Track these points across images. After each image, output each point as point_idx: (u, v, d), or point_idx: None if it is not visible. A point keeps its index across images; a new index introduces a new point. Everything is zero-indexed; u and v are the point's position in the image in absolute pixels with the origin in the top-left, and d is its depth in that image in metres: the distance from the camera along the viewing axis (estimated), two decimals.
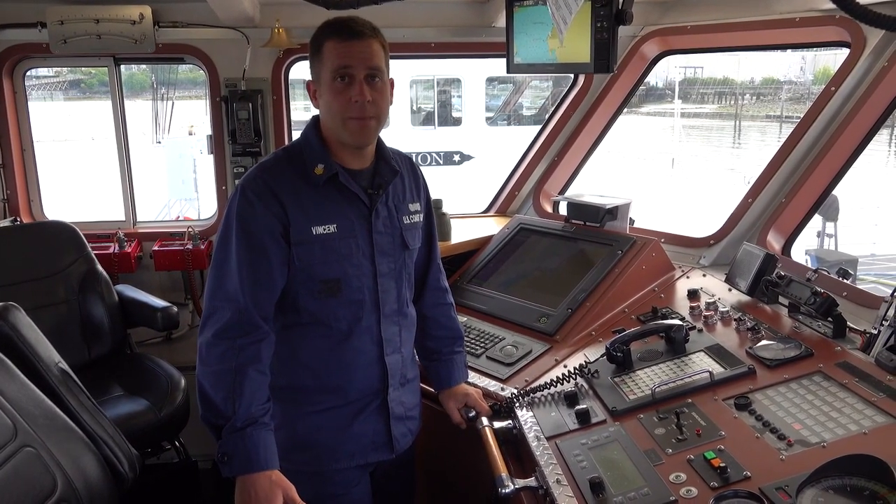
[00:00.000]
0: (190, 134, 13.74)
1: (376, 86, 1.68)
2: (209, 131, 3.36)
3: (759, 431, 1.56)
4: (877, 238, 12.04)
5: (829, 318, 1.85)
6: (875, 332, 1.74)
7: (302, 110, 5.02)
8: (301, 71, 3.12)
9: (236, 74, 3.20)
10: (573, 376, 1.98)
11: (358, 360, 1.79)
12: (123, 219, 3.44)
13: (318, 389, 1.80)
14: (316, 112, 1.78)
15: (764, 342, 1.90)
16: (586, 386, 1.94)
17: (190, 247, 3.26)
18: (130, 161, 3.41)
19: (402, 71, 10.55)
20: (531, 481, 1.66)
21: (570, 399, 1.88)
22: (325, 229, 1.71)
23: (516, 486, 1.65)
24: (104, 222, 3.44)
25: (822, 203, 2.49)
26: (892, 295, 1.75)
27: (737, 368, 1.81)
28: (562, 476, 1.59)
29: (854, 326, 1.84)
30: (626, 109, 3.33)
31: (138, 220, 3.49)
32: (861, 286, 2.18)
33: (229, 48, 3.16)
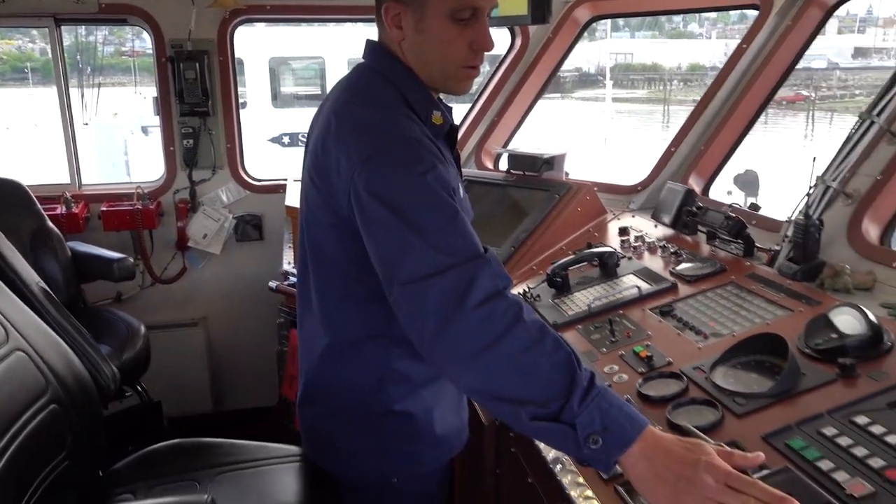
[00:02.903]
0: (115, 115, 13.36)
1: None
2: (154, 94, 3.40)
3: (679, 330, 1.78)
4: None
5: (740, 240, 2.10)
6: (778, 248, 1.99)
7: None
8: (246, 33, 3.20)
9: (182, 35, 3.25)
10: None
11: None
12: (69, 181, 3.43)
13: None
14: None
15: (685, 264, 2.14)
16: (529, 307, 2.13)
17: (139, 207, 3.30)
18: (73, 122, 3.41)
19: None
20: None
21: None
22: (461, 191, 1.40)
23: None
24: (49, 185, 3.42)
25: (737, 148, 2.74)
26: (788, 218, 2.01)
27: (661, 284, 2.03)
28: None
29: (761, 246, 2.09)
30: (560, 95, 3.56)
31: (83, 182, 3.49)
32: None
33: (174, 9, 3.20)
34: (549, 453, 1.45)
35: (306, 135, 1.52)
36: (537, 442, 1.50)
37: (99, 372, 1.58)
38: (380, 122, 1.29)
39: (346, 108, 1.35)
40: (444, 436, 1.53)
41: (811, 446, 1.23)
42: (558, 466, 1.40)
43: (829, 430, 1.26)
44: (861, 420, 1.26)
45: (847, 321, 1.51)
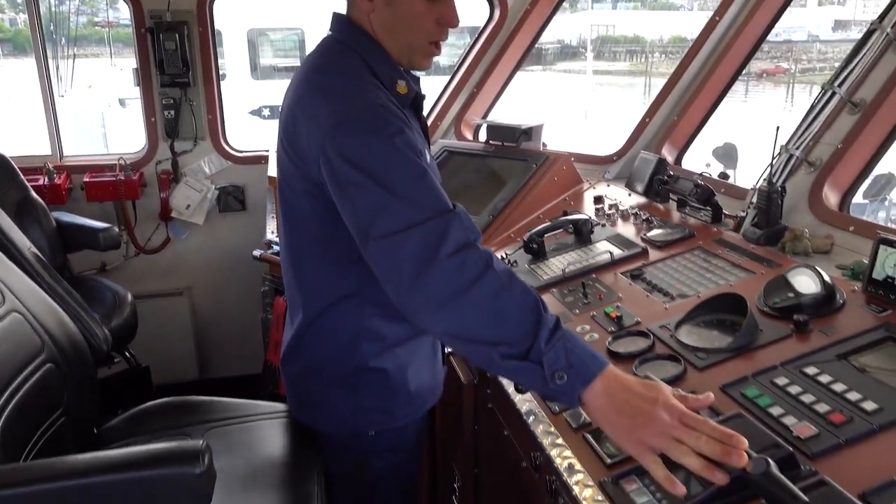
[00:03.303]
0: (89, 87, 13.14)
1: None
2: (134, 66, 3.40)
3: (648, 292, 1.87)
4: None
5: (709, 207, 2.18)
6: (744, 214, 2.08)
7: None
8: (224, 3, 3.21)
9: (161, 6, 3.24)
10: None
11: None
12: (49, 152, 3.44)
13: None
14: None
15: (656, 230, 2.23)
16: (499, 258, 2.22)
17: (122, 177, 3.32)
18: (53, 91, 3.40)
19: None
20: None
21: None
22: (427, 157, 1.46)
23: (448, 350, 1.90)
24: (30, 156, 3.43)
25: (709, 118, 2.82)
26: (753, 186, 2.10)
27: (632, 250, 2.12)
28: None
29: (728, 213, 2.18)
30: (541, 67, 3.60)
31: (65, 152, 3.50)
32: None
33: None
34: (523, 406, 1.54)
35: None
36: (512, 396, 1.59)
37: (91, 334, 1.64)
38: (347, 89, 1.36)
39: (314, 78, 1.42)
40: (417, 392, 1.62)
41: (764, 395, 1.33)
42: (531, 418, 1.49)
43: (782, 380, 1.35)
44: (811, 370, 1.36)
45: (803, 281, 1.60)
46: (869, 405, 1.22)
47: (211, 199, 3.53)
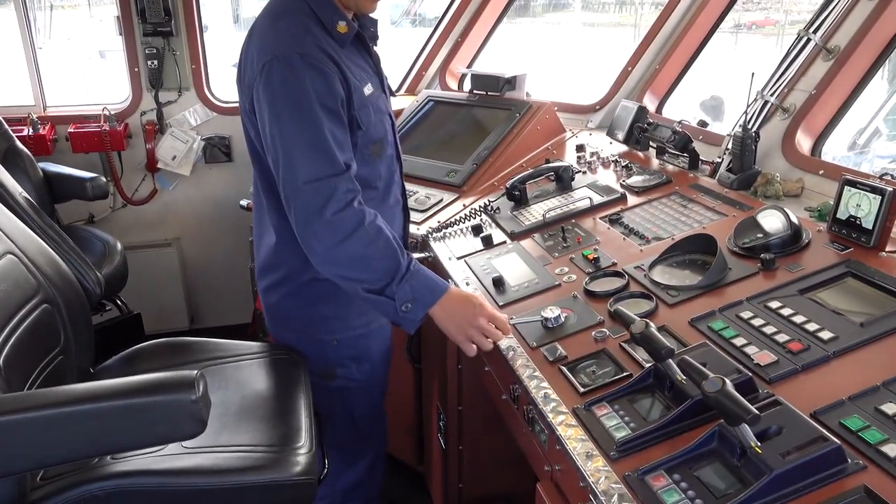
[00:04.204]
0: (68, 40, 12.83)
1: None
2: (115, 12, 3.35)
3: (625, 235, 1.93)
4: None
5: (686, 153, 2.24)
6: (720, 160, 2.14)
7: None
8: None
9: None
10: (478, 213, 2.31)
11: (395, 215, 1.87)
12: (33, 103, 3.42)
13: None
14: None
15: (635, 177, 2.28)
16: (489, 220, 2.27)
17: (107, 128, 3.31)
18: (34, 39, 3.37)
19: None
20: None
21: (476, 229, 2.20)
22: (368, 89, 1.67)
23: None
24: (12, 107, 3.41)
25: (690, 66, 2.85)
26: (729, 133, 2.14)
27: (611, 195, 2.18)
28: (470, 278, 1.94)
29: (705, 159, 2.23)
30: (530, 19, 3.57)
31: (48, 103, 3.48)
32: None
33: None
34: (503, 343, 1.61)
35: None
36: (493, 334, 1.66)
37: (84, 276, 1.69)
38: (285, 35, 1.55)
39: (259, 22, 1.64)
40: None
41: (729, 327, 1.41)
42: (511, 354, 1.57)
43: (746, 314, 1.43)
44: (774, 304, 1.44)
45: (772, 222, 1.67)
46: (826, 334, 1.30)
47: (197, 150, 3.54)
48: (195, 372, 1.14)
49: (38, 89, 3.42)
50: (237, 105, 3.53)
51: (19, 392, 1.35)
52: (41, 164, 3.07)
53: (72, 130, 3.30)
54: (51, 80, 3.33)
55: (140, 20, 3.26)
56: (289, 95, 1.51)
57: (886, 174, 1.67)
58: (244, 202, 3.01)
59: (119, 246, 2.83)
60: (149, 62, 3.36)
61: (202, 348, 1.76)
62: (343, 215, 1.52)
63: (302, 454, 1.43)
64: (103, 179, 3.00)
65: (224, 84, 3.71)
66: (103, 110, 3.35)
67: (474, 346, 1.60)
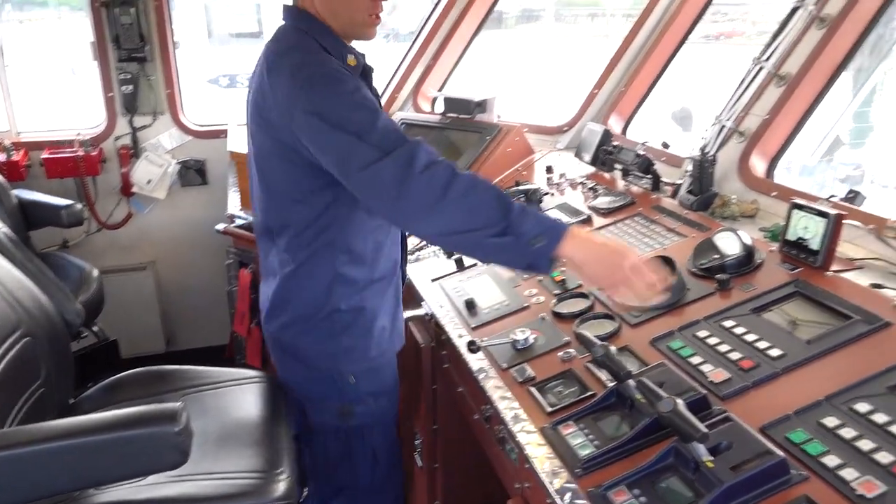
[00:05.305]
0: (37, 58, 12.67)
1: None
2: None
3: None
4: None
5: (649, 175, 2.33)
6: (680, 182, 2.23)
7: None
8: None
9: None
10: None
11: (398, 234, 1.87)
12: (6, 128, 3.43)
13: (379, 270, 1.81)
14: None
15: (601, 198, 2.37)
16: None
17: (81, 153, 3.33)
18: (4, 65, 3.38)
19: None
20: (419, 311, 2.05)
21: (449, 252, 2.26)
22: None
23: (405, 317, 2.03)
24: None
25: (654, 87, 2.95)
26: (688, 157, 2.24)
27: (579, 217, 2.26)
28: (445, 302, 2.00)
29: (667, 181, 2.33)
30: (502, 31, 3.65)
31: (19, 129, 3.48)
32: None
33: None
34: (475, 365, 1.67)
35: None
36: (465, 356, 1.72)
37: (64, 308, 1.72)
38: (307, 61, 1.58)
39: (276, 60, 1.63)
40: (386, 332, 1.84)
41: (687, 346, 1.49)
42: (482, 375, 1.63)
43: (703, 333, 1.51)
44: (728, 323, 1.52)
45: (727, 243, 1.76)
46: (775, 352, 1.39)
47: (172, 174, 3.56)
48: (178, 404, 1.18)
49: (9, 114, 3.42)
50: (212, 129, 3.58)
51: (2, 430, 1.38)
52: (15, 192, 3.08)
53: (46, 156, 3.31)
54: (22, 102, 3.35)
55: (115, 46, 3.29)
56: (338, 92, 1.53)
57: (833, 196, 1.77)
58: (220, 226, 3.04)
59: (95, 272, 2.85)
60: (123, 87, 3.39)
61: (182, 376, 1.80)
62: (434, 169, 1.46)
63: (282, 480, 1.48)
64: (79, 206, 3.02)
65: (199, 104, 3.75)
66: (77, 135, 3.37)
67: (629, 293, 1.46)
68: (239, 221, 2.82)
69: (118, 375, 1.79)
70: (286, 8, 1.72)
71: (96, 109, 3.49)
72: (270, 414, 1.71)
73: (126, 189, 3.53)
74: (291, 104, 1.54)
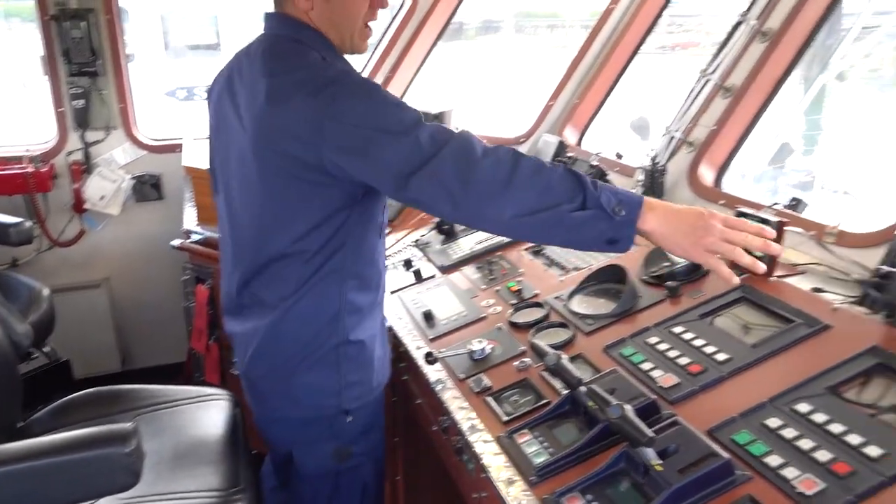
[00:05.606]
0: None
1: None
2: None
3: (547, 266, 2.05)
4: None
5: None
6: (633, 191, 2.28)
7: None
8: None
9: None
10: (409, 247, 2.39)
11: (383, 254, 1.75)
12: None
13: (379, 294, 1.72)
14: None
15: None
16: (420, 253, 2.36)
17: (31, 169, 3.26)
18: None
19: None
20: None
21: (407, 263, 2.28)
22: None
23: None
24: None
25: (608, 98, 3.02)
26: (639, 167, 2.29)
27: None
28: (403, 315, 2.01)
29: None
30: (462, 42, 3.69)
31: None
32: None
33: None
34: (433, 376, 1.68)
35: (214, 112, 1.65)
36: (423, 368, 1.73)
37: (12, 331, 1.68)
38: (318, 74, 1.44)
39: (284, 80, 1.45)
40: (383, 360, 1.74)
41: (638, 353, 1.52)
42: (439, 387, 1.64)
43: (653, 339, 1.55)
44: (677, 329, 1.56)
45: None
46: (721, 356, 1.43)
47: (126, 189, 3.50)
48: (129, 424, 1.17)
49: None
50: (167, 143, 3.53)
51: None
52: None
53: None
54: None
55: (65, 60, 3.23)
56: (365, 106, 1.40)
57: (776, 204, 1.83)
58: (176, 241, 3.00)
59: (46, 291, 2.78)
60: (75, 102, 3.32)
61: (136, 396, 1.77)
62: (495, 152, 1.37)
63: (240, 499, 1.47)
64: (28, 224, 2.94)
65: (155, 119, 3.70)
66: (27, 151, 3.29)
67: (721, 261, 1.35)
68: (195, 237, 2.78)
69: (69, 397, 1.75)
70: (274, 16, 1.58)
71: (48, 124, 3.41)
72: (229, 431, 1.69)
73: (78, 206, 3.45)
74: (320, 120, 1.39)
